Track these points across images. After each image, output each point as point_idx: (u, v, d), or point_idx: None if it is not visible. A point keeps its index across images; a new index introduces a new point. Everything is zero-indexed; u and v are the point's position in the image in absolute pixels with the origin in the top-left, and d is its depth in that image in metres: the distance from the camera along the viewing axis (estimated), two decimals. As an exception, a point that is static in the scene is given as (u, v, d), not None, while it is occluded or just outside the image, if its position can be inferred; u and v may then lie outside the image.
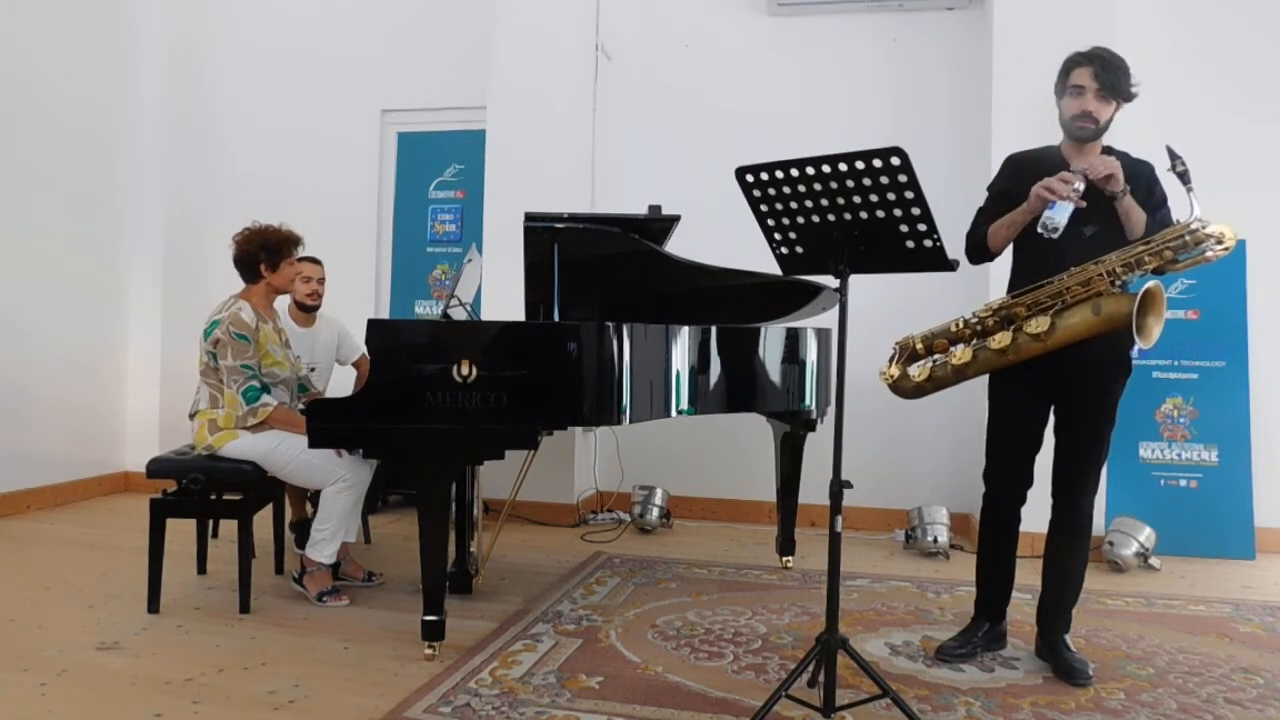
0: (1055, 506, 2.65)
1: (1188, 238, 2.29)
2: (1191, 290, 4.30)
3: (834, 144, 2.25)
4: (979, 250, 2.72)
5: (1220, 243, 2.29)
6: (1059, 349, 2.42)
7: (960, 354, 2.53)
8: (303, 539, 3.38)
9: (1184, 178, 2.29)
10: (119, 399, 5.29)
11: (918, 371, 2.62)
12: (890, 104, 4.71)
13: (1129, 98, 2.51)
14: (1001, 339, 2.46)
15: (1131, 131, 4.30)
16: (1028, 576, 2.88)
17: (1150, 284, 2.29)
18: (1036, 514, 2.70)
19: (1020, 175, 2.60)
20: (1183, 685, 2.56)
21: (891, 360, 2.67)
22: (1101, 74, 2.45)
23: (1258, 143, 4.34)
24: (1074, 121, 2.52)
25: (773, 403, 3.43)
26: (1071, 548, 2.65)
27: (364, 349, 4.10)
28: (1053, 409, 2.66)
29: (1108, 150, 2.56)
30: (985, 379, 2.71)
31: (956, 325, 2.57)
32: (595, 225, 3.14)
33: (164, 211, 5.36)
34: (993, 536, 2.76)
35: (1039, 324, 2.39)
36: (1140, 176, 2.51)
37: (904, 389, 2.66)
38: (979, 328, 2.53)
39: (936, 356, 2.60)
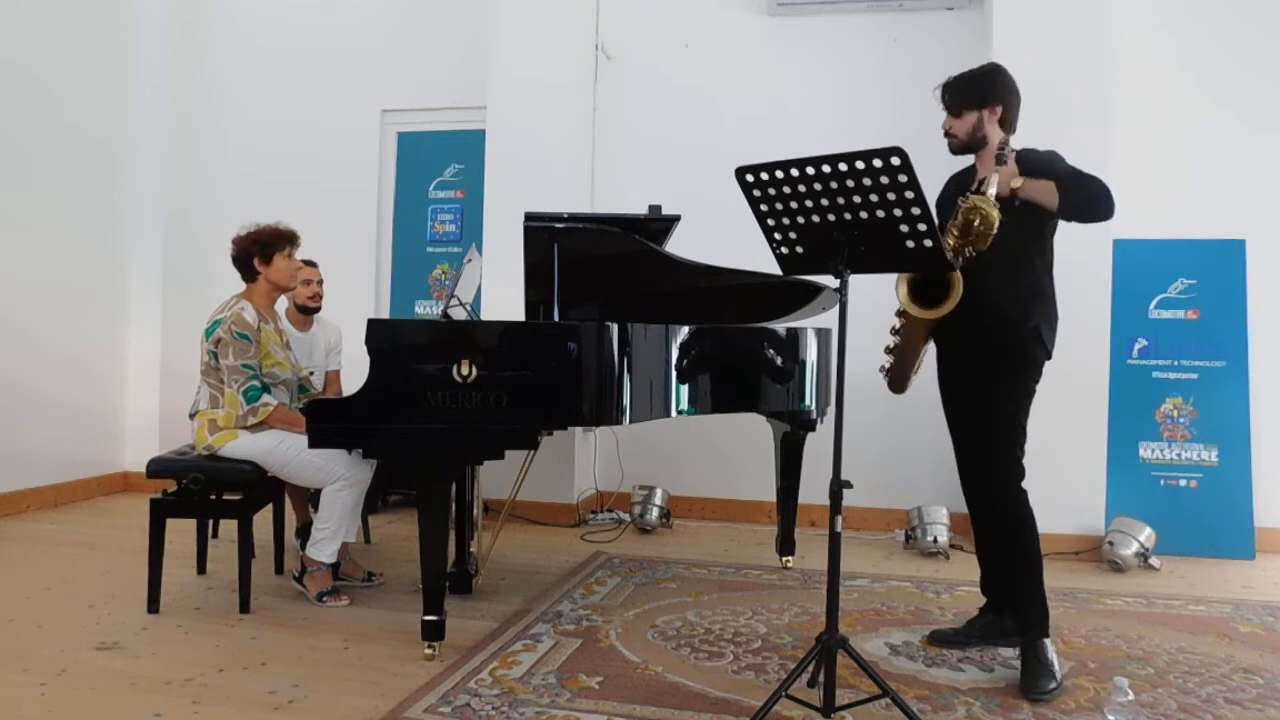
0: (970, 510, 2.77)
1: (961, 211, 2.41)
2: (1191, 290, 4.30)
3: (834, 144, 2.25)
4: None
5: (978, 211, 2.37)
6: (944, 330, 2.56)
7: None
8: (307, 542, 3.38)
9: (999, 159, 2.42)
10: (119, 399, 5.29)
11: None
12: (890, 104, 4.70)
13: (984, 103, 2.58)
14: None
15: (1132, 132, 4.36)
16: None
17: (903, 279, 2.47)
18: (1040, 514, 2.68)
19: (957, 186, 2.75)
20: (1183, 685, 2.56)
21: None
22: (945, 96, 2.66)
23: (1257, 143, 4.34)
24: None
25: (772, 403, 3.43)
26: (1004, 549, 2.65)
27: (341, 365, 4.09)
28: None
29: (1020, 153, 2.52)
30: None
31: None
32: (595, 225, 3.14)
33: (164, 210, 5.36)
34: (971, 517, 2.83)
35: None
36: (1042, 161, 2.53)
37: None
38: None
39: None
